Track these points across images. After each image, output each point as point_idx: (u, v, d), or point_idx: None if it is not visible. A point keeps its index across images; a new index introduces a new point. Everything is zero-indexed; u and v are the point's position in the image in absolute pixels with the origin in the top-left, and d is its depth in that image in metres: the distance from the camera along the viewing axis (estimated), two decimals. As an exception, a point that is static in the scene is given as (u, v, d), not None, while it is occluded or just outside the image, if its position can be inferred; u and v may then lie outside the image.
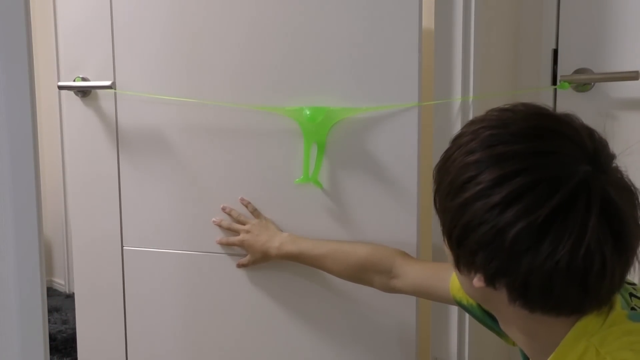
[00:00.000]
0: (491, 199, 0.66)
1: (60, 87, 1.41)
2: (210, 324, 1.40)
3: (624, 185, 0.68)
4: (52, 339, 2.35)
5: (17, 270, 0.71)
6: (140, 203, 1.41)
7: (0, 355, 0.70)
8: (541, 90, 1.41)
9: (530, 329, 0.76)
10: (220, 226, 1.35)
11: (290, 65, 1.28)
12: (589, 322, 0.71)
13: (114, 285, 1.45)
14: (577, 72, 1.36)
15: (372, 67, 1.24)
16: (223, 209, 1.35)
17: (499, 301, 0.72)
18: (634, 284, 0.79)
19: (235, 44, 1.31)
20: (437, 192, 0.75)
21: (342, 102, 1.25)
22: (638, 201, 0.68)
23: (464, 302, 0.99)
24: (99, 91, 1.41)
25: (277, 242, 1.28)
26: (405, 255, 1.17)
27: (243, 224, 1.32)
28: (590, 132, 0.69)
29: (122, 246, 1.44)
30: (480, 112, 0.75)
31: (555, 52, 1.40)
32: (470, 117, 1.33)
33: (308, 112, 1.24)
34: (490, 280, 0.70)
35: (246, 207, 1.33)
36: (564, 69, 1.38)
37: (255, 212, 1.33)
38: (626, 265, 0.68)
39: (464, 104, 1.34)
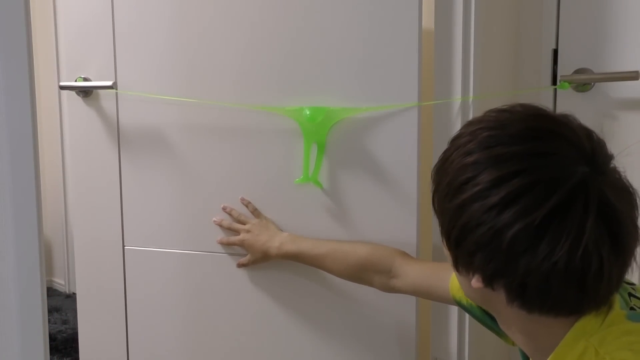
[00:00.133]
0: (489, 200, 0.66)
1: (62, 87, 1.41)
2: (211, 324, 1.40)
3: (622, 186, 0.68)
4: (52, 339, 2.34)
5: (17, 270, 0.71)
6: (141, 203, 1.41)
7: (0, 356, 0.70)
8: (541, 90, 1.41)
9: (529, 329, 0.76)
10: (220, 226, 1.35)
11: (290, 65, 1.28)
12: (587, 323, 0.71)
13: (115, 285, 1.45)
14: (577, 72, 1.36)
15: (372, 67, 1.24)
16: (223, 209, 1.35)
17: (498, 302, 0.72)
18: (633, 284, 0.79)
19: (235, 45, 1.31)
20: (435, 193, 0.75)
21: (342, 102, 1.25)
22: (636, 202, 0.68)
23: (464, 302, 0.99)
24: (101, 91, 1.41)
25: (277, 241, 1.28)
26: (405, 255, 1.17)
27: (243, 223, 1.32)
28: (589, 133, 0.69)
29: (123, 246, 1.44)
30: (481, 112, 0.75)
31: (556, 52, 1.39)
32: (470, 117, 1.33)
33: (308, 112, 1.24)
34: (489, 281, 0.70)
35: (246, 206, 1.33)
36: (564, 69, 1.38)
37: (256, 212, 1.33)
38: (624, 266, 0.68)
39: (464, 104, 1.34)
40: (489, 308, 0.82)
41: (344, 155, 1.27)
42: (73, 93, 1.43)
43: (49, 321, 2.37)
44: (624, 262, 0.67)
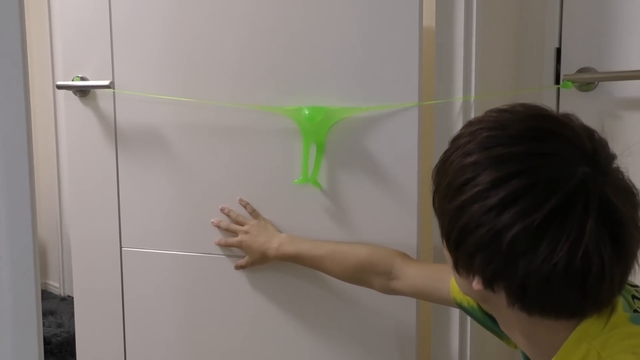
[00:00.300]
0: (488, 201, 0.65)
1: (59, 87, 1.41)
2: (209, 326, 1.40)
3: (624, 187, 0.67)
4: (47, 342, 2.34)
5: (11, 272, 0.71)
6: (139, 203, 1.41)
7: (-7, 359, 0.70)
8: (544, 90, 1.40)
9: (531, 332, 0.75)
10: (218, 227, 1.34)
11: (289, 64, 1.27)
12: (590, 325, 0.71)
13: (113, 286, 1.45)
14: (581, 71, 1.35)
15: (371, 66, 1.23)
16: (222, 210, 1.34)
17: (499, 304, 0.72)
18: (636, 286, 0.78)
19: (233, 44, 1.30)
20: (435, 193, 0.75)
21: (341, 102, 1.24)
22: (638, 203, 0.67)
23: (465, 304, 0.98)
24: (98, 91, 1.40)
25: (275, 243, 1.27)
26: (405, 256, 1.17)
27: (242, 224, 1.32)
28: (590, 133, 0.69)
29: (120, 247, 1.43)
30: (482, 112, 0.75)
31: (558, 51, 1.38)
32: (472, 117, 1.32)
33: (307, 112, 1.23)
34: (489, 283, 0.70)
35: (245, 207, 1.33)
36: (567, 68, 1.37)
37: (254, 213, 1.32)
38: (626, 268, 0.67)
39: (465, 104, 1.33)
40: (490, 309, 0.81)
41: (343, 156, 1.26)
42: (70, 93, 1.43)
43: (44, 324, 2.37)
44: (626, 264, 0.67)
